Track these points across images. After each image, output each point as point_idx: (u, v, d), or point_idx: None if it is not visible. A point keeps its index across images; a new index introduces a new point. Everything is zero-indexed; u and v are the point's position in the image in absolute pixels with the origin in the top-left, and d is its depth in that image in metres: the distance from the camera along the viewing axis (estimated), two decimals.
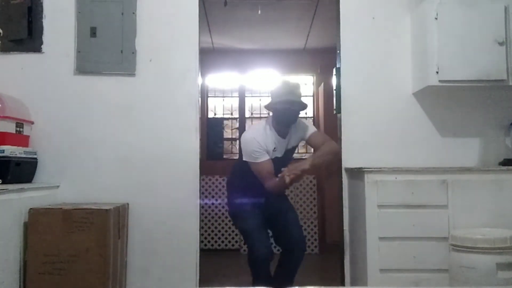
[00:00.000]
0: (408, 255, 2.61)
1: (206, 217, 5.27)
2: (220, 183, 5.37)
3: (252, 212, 2.99)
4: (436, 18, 2.83)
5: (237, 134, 6.50)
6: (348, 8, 3.21)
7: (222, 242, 5.33)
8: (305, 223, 5.19)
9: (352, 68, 3.19)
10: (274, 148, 2.94)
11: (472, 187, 2.65)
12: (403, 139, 3.13)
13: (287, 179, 2.80)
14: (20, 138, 2.87)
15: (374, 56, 3.19)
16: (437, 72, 2.82)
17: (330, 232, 5.24)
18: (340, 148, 3.16)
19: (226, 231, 5.34)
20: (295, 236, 3.03)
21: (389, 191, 2.66)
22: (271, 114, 3.07)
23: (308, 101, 6.64)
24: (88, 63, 3.09)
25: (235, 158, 6.15)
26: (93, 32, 3.08)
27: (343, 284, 3.11)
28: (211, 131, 6.50)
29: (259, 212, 3.00)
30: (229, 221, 5.24)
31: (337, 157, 3.07)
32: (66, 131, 3.08)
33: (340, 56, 3.21)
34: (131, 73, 3.11)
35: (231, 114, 6.66)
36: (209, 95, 6.61)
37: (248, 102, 6.60)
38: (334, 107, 3.26)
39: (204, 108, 6.36)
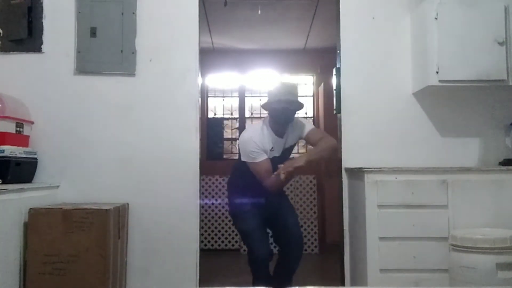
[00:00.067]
0: (408, 255, 2.61)
1: (206, 217, 5.27)
2: (220, 183, 5.37)
3: (251, 212, 3.01)
4: (436, 18, 2.83)
5: (237, 134, 6.50)
6: (348, 8, 3.21)
7: (222, 242, 5.33)
8: (305, 223, 5.19)
9: (352, 68, 3.19)
10: (272, 147, 2.96)
11: (472, 187, 2.65)
12: (403, 139, 3.13)
13: (282, 176, 2.84)
14: (20, 138, 2.87)
15: (374, 56, 3.19)
16: (437, 72, 2.82)
17: (330, 232, 5.24)
18: (340, 145, 3.16)
19: (226, 231, 5.34)
20: (294, 235, 3.05)
21: (389, 191, 2.66)
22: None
23: (308, 101, 6.65)
24: (88, 63, 3.09)
25: (235, 158, 6.14)
26: (93, 32, 3.08)
27: (343, 284, 3.11)
28: (211, 131, 6.50)
29: (259, 212, 3.02)
30: (229, 221, 5.24)
31: (334, 152, 3.07)
32: (66, 131, 3.08)
33: (340, 56, 3.21)
34: (131, 73, 3.11)
35: (231, 114, 6.66)
36: (209, 95, 6.61)
37: (248, 102, 6.60)
38: (334, 107, 3.26)
39: (204, 108, 6.36)
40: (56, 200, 2.97)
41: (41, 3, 3.11)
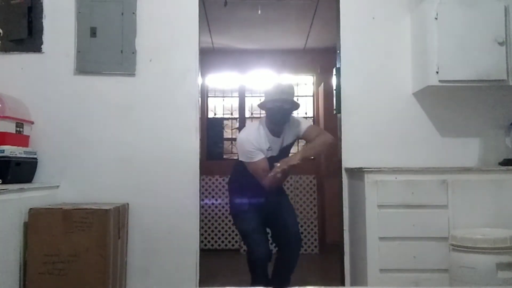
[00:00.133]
0: (408, 255, 2.61)
1: (206, 217, 5.27)
2: (220, 183, 5.37)
3: (251, 212, 3.02)
4: (436, 18, 2.83)
5: (237, 134, 6.49)
6: (348, 8, 3.21)
7: (222, 242, 5.33)
8: (305, 223, 5.19)
9: (352, 68, 3.19)
10: (269, 147, 2.99)
11: (472, 187, 2.65)
12: (403, 139, 3.13)
13: (278, 175, 2.87)
14: (20, 138, 2.87)
15: (374, 56, 3.19)
16: (437, 72, 2.82)
17: (330, 232, 5.24)
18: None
19: (226, 231, 5.34)
20: (292, 235, 3.07)
21: (389, 191, 2.66)
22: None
23: (308, 101, 6.65)
24: (88, 63, 3.09)
25: (235, 158, 6.13)
26: (93, 32, 3.08)
27: (343, 284, 3.11)
28: (211, 131, 6.50)
29: (259, 212, 3.03)
30: (229, 221, 5.25)
31: (330, 148, 3.08)
32: (66, 131, 3.08)
33: (340, 56, 3.21)
34: (131, 73, 3.11)
35: (231, 114, 6.66)
36: (209, 95, 6.61)
37: (248, 102, 6.60)
38: (334, 107, 3.26)
39: (204, 108, 6.36)
40: (56, 200, 2.97)
41: (41, 3, 3.11)
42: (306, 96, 6.68)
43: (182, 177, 3.08)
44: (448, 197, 2.63)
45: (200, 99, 3.20)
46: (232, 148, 6.62)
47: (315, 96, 6.59)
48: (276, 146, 3.02)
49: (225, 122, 6.66)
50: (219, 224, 5.34)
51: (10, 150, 2.70)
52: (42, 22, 3.11)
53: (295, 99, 3.06)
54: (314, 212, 5.23)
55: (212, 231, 5.33)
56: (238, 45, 6.03)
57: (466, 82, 2.84)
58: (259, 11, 4.73)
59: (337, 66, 3.24)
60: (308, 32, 5.50)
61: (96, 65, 3.09)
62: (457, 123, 3.15)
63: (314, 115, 6.56)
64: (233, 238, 5.33)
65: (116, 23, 3.10)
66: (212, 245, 5.31)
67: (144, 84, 3.12)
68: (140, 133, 3.09)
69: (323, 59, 5.93)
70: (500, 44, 2.80)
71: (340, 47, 3.21)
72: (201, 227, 4.65)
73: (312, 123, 3.26)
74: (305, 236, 5.18)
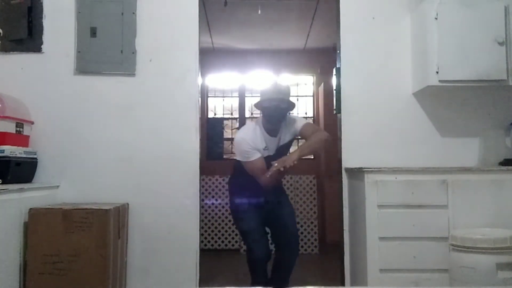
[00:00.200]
0: (408, 255, 2.61)
1: (206, 217, 5.27)
2: (220, 183, 5.37)
3: (251, 212, 3.04)
4: (436, 18, 2.83)
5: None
6: (348, 8, 3.21)
7: (222, 242, 5.33)
8: (305, 223, 5.19)
9: (352, 68, 3.19)
10: (265, 146, 3.01)
11: (472, 187, 2.64)
12: (403, 139, 3.13)
13: (275, 174, 2.86)
14: (20, 138, 2.87)
15: (374, 56, 3.19)
16: (437, 72, 2.82)
17: (330, 232, 5.24)
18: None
19: (226, 231, 5.34)
20: (290, 235, 3.08)
21: (389, 191, 2.66)
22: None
23: (308, 101, 6.65)
24: (88, 63, 3.09)
25: (235, 158, 6.14)
26: (93, 32, 3.08)
27: (343, 284, 3.11)
28: (211, 131, 6.50)
29: (258, 211, 3.05)
30: (229, 221, 5.25)
31: (326, 144, 3.09)
32: (66, 131, 3.08)
33: (340, 56, 3.21)
34: (131, 73, 3.11)
35: (231, 114, 6.66)
36: (209, 95, 6.61)
37: (248, 102, 6.60)
38: (334, 107, 3.26)
39: (204, 108, 6.36)
40: (56, 200, 2.97)
41: (41, 3, 3.11)
42: (306, 96, 6.68)
43: (182, 177, 3.08)
44: (448, 197, 2.63)
45: (200, 99, 3.20)
46: (232, 148, 6.62)
47: (315, 96, 6.59)
48: (272, 145, 3.04)
49: (225, 122, 6.67)
50: (219, 224, 5.34)
51: (10, 150, 2.70)
52: (42, 22, 3.11)
53: (291, 99, 3.08)
54: (314, 212, 5.23)
55: (212, 231, 5.33)
56: (238, 45, 6.03)
57: (466, 82, 2.84)
58: (259, 11, 4.73)
59: (337, 66, 3.24)
60: (308, 32, 5.50)
61: (96, 65, 3.09)
62: (457, 123, 3.15)
63: (314, 115, 6.57)
64: (233, 238, 5.33)
65: (116, 23, 3.10)
66: (212, 245, 5.31)
67: (144, 84, 3.12)
68: (140, 133, 3.09)
69: (323, 59, 5.93)
70: (500, 44, 2.80)
71: (340, 47, 3.21)
72: (201, 227, 4.65)
73: (307, 120, 3.27)
74: (305, 236, 5.19)
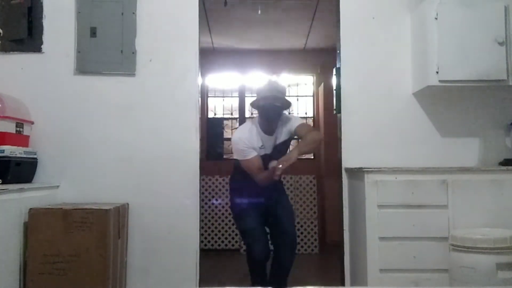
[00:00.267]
0: (408, 255, 2.61)
1: (206, 217, 5.27)
2: (220, 183, 5.37)
3: (250, 211, 3.06)
4: (436, 18, 2.83)
5: None
6: (348, 8, 3.21)
7: (222, 242, 5.33)
8: (305, 223, 5.19)
9: (352, 68, 3.19)
10: (261, 145, 3.03)
11: (472, 187, 2.64)
12: (403, 139, 3.13)
13: (278, 172, 2.83)
14: (20, 138, 2.87)
15: (374, 56, 3.19)
16: (437, 72, 2.81)
17: (330, 232, 5.24)
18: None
19: (226, 231, 5.34)
20: (288, 236, 3.09)
21: (389, 191, 2.66)
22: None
23: (308, 101, 6.65)
24: (88, 63, 3.09)
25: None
26: (93, 32, 3.08)
27: (343, 284, 3.11)
28: (211, 131, 6.50)
29: (258, 210, 3.06)
30: (229, 221, 5.26)
31: (319, 145, 3.13)
32: (66, 131, 3.08)
33: (340, 56, 3.21)
34: (131, 73, 3.11)
35: (231, 114, 6.66)
36: (209, 95, 6.61)
37: (248, 102, 6.59)
38: (334, 107, 3.26)
39: (204, 108, 6.35)
40: (56, 200, 2.97)
41: (41, 3, 3.11)
42: (306, 96, 6.68)
43: (182, 177, 3.08)
44: (448, 197, 2.63)
45: (200, 99, 3.20)
46: (232, 148, 6.62)
47: (315, 96, 6.59)
48: (269, 144, 3.06)
49: (225, 122, 6.67)
50: (219, 224, 5.34)
51: (10, 150, 2.70)
52: (42, 22, 3.11)
53: (287, 97, 3.10)
54: (314, 212, 5.23)
55: (212, 231, 5.33)
56: (238, 45, 6.03)
57: (466, 82, 2.84)
58: (259, 11, 4.73)
59: (337, 66, 3.24)
60: (308, 32, 5.50)
61: (96, 65, 3.09)
62: (457, 123, 3.15)
63: (314, 115, 6.56)
64: (233, 238, 5.33)
65: (116, 23, 3.09)
66: (212, 245, 5.31)
67: (144, 84, 3.12)
68: (140, 133, 3.09)
69: (323, 59, 5.93)
70: (500, 44, 2.80)
71: (340, 47, 3.21)
72: (201, 227, 4.65)
73: (302, 120, 3.30)
74: (305, 236, 5.19)
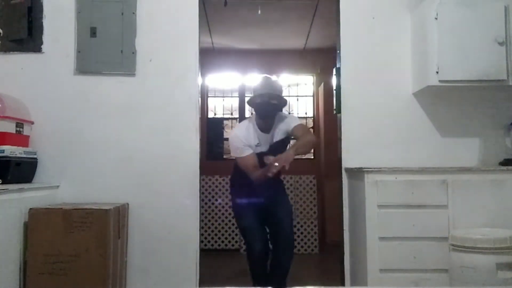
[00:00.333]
0: (408, 255, 2.61)
1: (206, 217, 5.27)
2: (220, 183, 5.36)
3: (250, 210, 3.07)
4: (436, 18, 2.83)
5: None
6: (348, 8, 3.21)
7: (222, 242, 5.33)
8: (305, 223, 5.19)
9: (352, 68, 3.19)
10: (258, 143, 3.05)
11: (472, 187, 2.64)
12: (403, 139, 3.13)
13: (275, 170, 2.78)
14: (20, 138, 2.87)
15: (374, 56, 3.19)
16: (437, 72, 2.81)
17: (330, 232, 5.24)
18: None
19: (226, 231, 5.34)
20: (285, 236, 3.10)
21: (389, 191, 2.66)
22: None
23: (308, 101, 6.65)
24: (88, 63, 3.09)
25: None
26: (93, 32, 3.08)
27: (343, 284, 3.11)
28: (211, 131, 6.50)
29: (257, 209, 3.06)
30: (229, 221, 5.26)
31: (314, 147, 3.11)
32: (66, 131, 3.08)
33: (340, 56, 3.21)
34: (131, 73, 3.11)
35: (231, 114, 6.66)
36: (209, 95, 6.61)
37: None
38: (334, 107, 3.26)
39: (204, 108, 6.35)
40: (56, 200, 2.97)
41: (41, 3, 3.11)
42: (306, 96, 6.68)
43: (182, 177, 3.08)
44: (448, 197, 2.63)
45: (200, 99, 3.20)
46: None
47: (315, 96, 6.58)
48: (265, 142, 3.07)
49: (225, 122, 6.67)
50: (219, 224, 5.34)
51: (10, 150, 2.70)
52: (42, 22, 3.11)
53: (283, 96, 3.12)
54: (314, 212, 5.23)
55: (212, 231, 5.33)
56: (238, 45, 6.03)
57: (466, 82, 2.84)
58: (259, 11, 4.73)
59: (337, 66, 3.24)
60: (308, 32, 5.50)
61: (96, 65, 3.09)
62: (457, 123, 3.15)
63: (314, 115, 6.56)
64: (233, 238, 5.33)
65: (116, 23, 3.09)
66: (212, 245, 5.31)
67: (144, 84, 3.12)
68: (140, 133, 3.09)
69: (323, 59, 5.93)
70: (500, 44, 2.80)
71: (340, 47, 3.21)
72: (201, 227, 4.65)
73: (300, 121, 3.30)
74: (305, 236, 5.19)
